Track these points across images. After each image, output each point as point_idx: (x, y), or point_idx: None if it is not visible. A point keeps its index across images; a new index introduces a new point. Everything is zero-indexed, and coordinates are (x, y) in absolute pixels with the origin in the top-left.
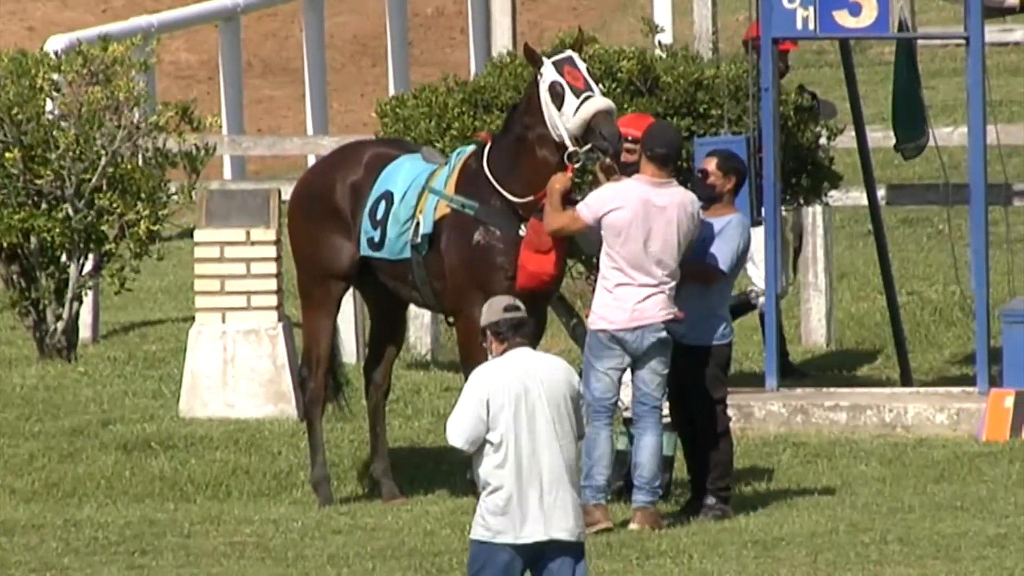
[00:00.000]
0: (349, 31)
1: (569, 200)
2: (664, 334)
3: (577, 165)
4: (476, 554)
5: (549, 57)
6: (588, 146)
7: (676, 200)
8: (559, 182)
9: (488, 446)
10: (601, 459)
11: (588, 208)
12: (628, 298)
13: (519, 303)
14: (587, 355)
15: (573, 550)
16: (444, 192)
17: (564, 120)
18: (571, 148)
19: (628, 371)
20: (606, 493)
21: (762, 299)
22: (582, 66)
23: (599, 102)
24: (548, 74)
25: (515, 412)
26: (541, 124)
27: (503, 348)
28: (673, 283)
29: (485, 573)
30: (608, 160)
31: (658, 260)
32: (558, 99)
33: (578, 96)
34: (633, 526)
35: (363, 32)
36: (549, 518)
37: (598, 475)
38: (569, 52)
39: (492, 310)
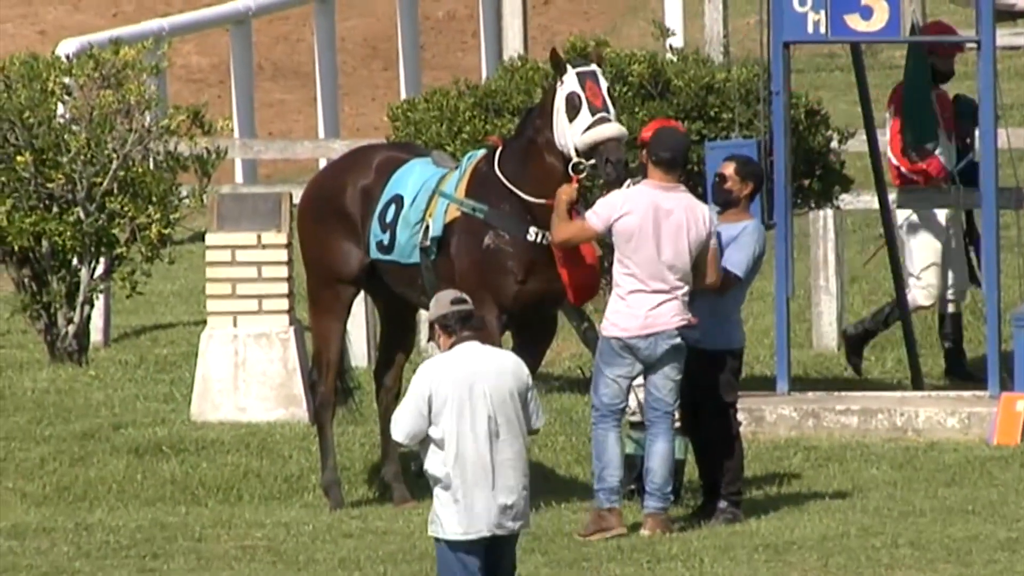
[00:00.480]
0: (360, 34)
1: (575, 211)
2: (678, 340)
3: (582, 176)
4: (438, 552)
5: (575, 66)
6: (591, 162)
7: (684, 204)
8: (565, 193)
9: (433, 442)
10: (612, 461)
11: (597, 216)
12: (641, 305)
13: (466, 296)
14: (597, 360)
15: (514, 541)
16: (455, 196)
17: (573, 134)
18: (575, 159)
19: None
20: (620, 495)
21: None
22: (604, 85)
23: (612, 129)
24: (569, 83)
25: (458, 408)
26: (550, 129)
27: (451, 342)
28: (687, 288)
29: (444, 568)
30: (611, 178)
31: (670, 265)
32: (573, 111)
33: (593, 114)
34: (645, 532)
35: (374, 35)
36: (496, 513)
37: (610, 477)
38: (594, 67)
39: (439, 304)
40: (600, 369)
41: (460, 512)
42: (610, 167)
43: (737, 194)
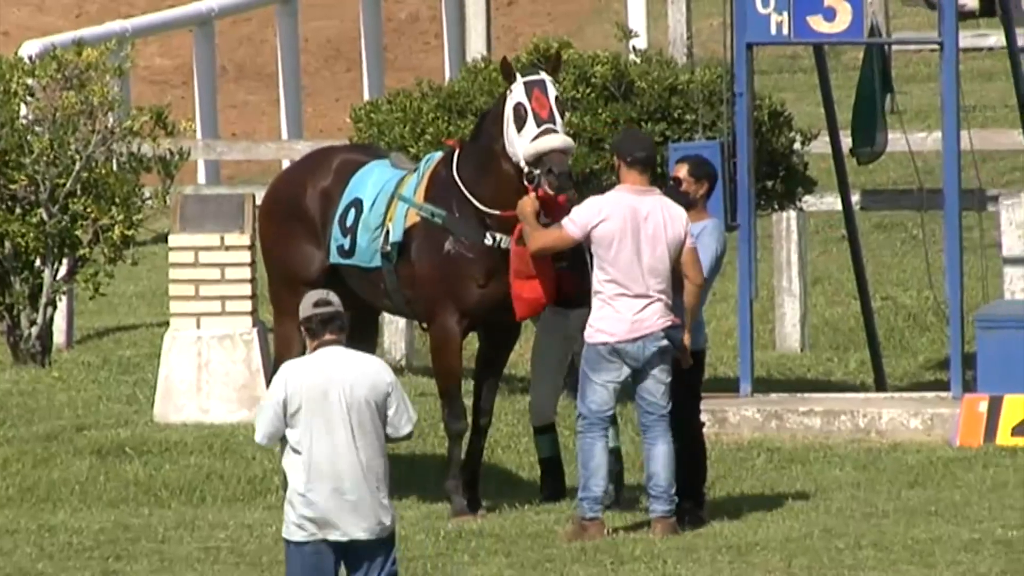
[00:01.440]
0: (323, 36)
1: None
2: (665, 342)
3: (535, 186)
4: (287, 554)
5: (524, 74)
6: (539, 172)
7: (660, 207)
8: (528, 204)
9: (289, 445)
10: (598, 470)
11: (575, 223)
12: (627, 309)
13: (331, 298)
14: (584, 368)
15: (380, 547)
16: (414, 200)
17: (521, 144)
18: (526, 169)
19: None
20: (603, 505)
21: None
22: (552, 93)
23: (556, 140)
24: (516, 94)
25: (313, 413)
26: (503, 138)
27: (315, 345)
28: (668, 290)
29: (296, 572)
30: (551, 192)
31: (651, 268)
32: (520, 121)
33: (539, 125)
34: (653, 536)
35: (337, 37)
36: (349, 518)
37: (595, 487)
38: (543, 76)
39: (304, 305)
40: (587, 376)
41: (313, 516)
42: (552, 178)
43: (693, 195)
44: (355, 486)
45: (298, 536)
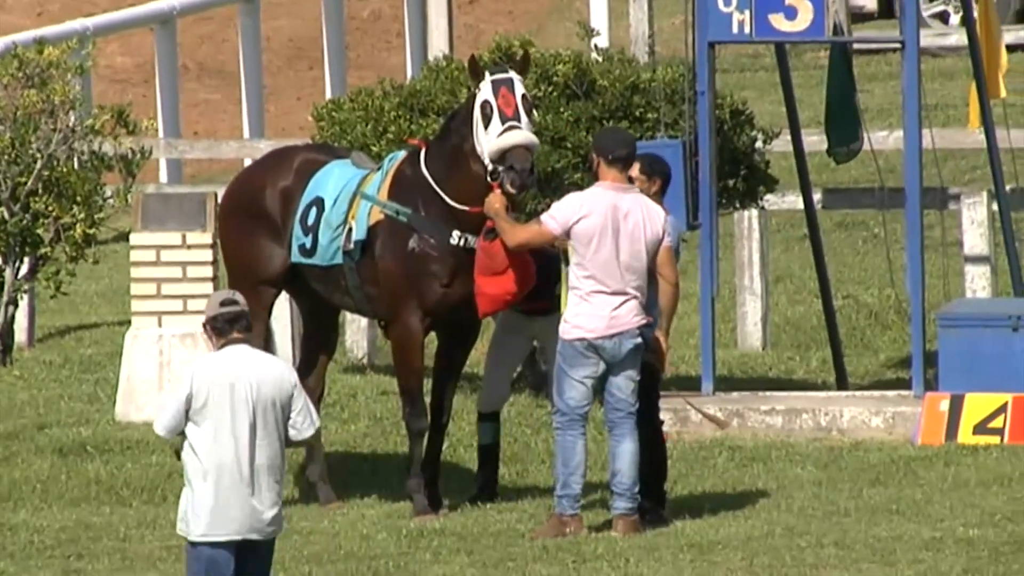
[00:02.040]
0: (285, 34)
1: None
2: (640, 340)
3: (498, 182)
4: (187, 552)
5: (492, 73)
6: (502, 169)
7: (639, 204)
8: (497, 201)
9: (190, 442)
10: (578, 469)
11: (555, 220)
12: (604, 305)
13: (237, 297)
14: (559, 364)
15: (267, 547)
16: (377, 198)
17: (487, 141)
18: (491, 167)
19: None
20: (581, 502)
21: None
22: (519, 91)
23: (519, 136)
24: (484, 91)
25: (218, 410)
26: (473, 137)
27: (221, 343)
28: (644, 288)
29: (192, 569)
30: (512, 190)
31: (628, 266)
32: (486, 119)
33: (504, 123)
34: (615, 534)
35: (299, 35)
36: (247, 518)
37: (574, 484)
38: (511, 74)
39: (210, 305)
40: (564, 372)
41: (213, 513)
42: (513, 174)
43: (647, 192)
44: (252, 485)
45: (195, 534)
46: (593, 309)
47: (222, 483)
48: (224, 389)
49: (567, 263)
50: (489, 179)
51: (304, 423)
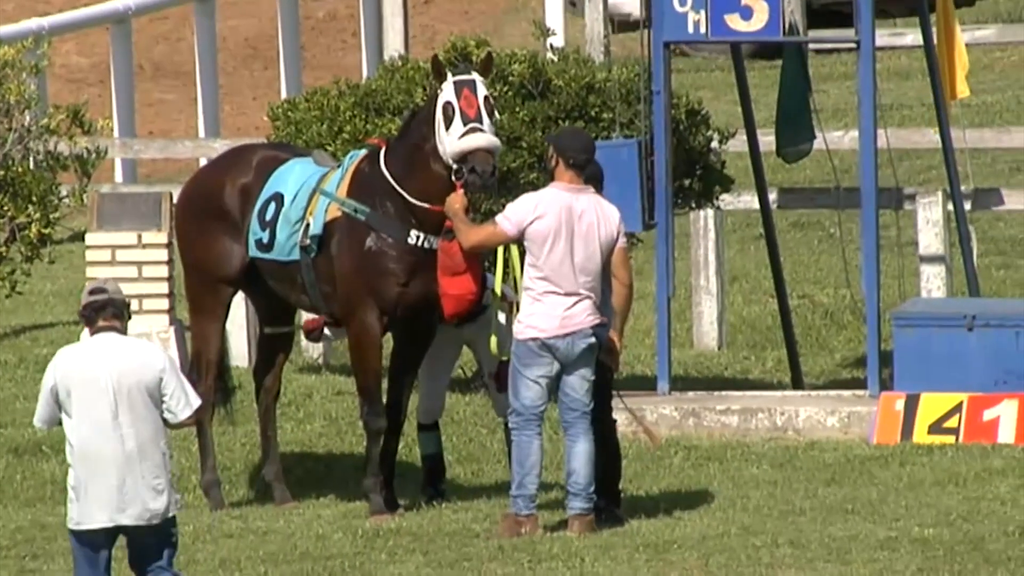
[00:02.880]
0: (241, 34)
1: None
2: (593, 340)
3: (461, 181)
4: (71, 542)
5: (455, 73)
6: (465, 170)
7: (594, 205)
8: (457, 201)
9: (65, 432)
10: (533, 468)
11: (509, 220)
12: (557, 305)
13: (109, 286)
14: (514, 364)
15: (152, 533)
16: (336, 195)
17: (448, 142)
18: (455, 167)
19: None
20: (536, 502)
21: None
22: (481, 93)
23: (481, 139)
24: (446, 92)
25: (79, 399)
26: (434, 137)
27: (92, 332)
28: (598, 288)
29: (75, 559)
30: (474, 192)
31: (582, 267)
32: (447, 121)
33: (465, 124)
34: (570, 533)
35: (255, 35)
36: (116, 505)
37: (530, 484)
38: (474, 76)
39: (83, 296)
40: (519, 372)
41: (81, 502)
42: (474, 176)
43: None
44: (120, 472)
45: (72, 523)
46: (546, 309)
47: (88, 471)
48: (84, 378)
49: (492, 267)
50: (454, 178)
51: (178, 406)
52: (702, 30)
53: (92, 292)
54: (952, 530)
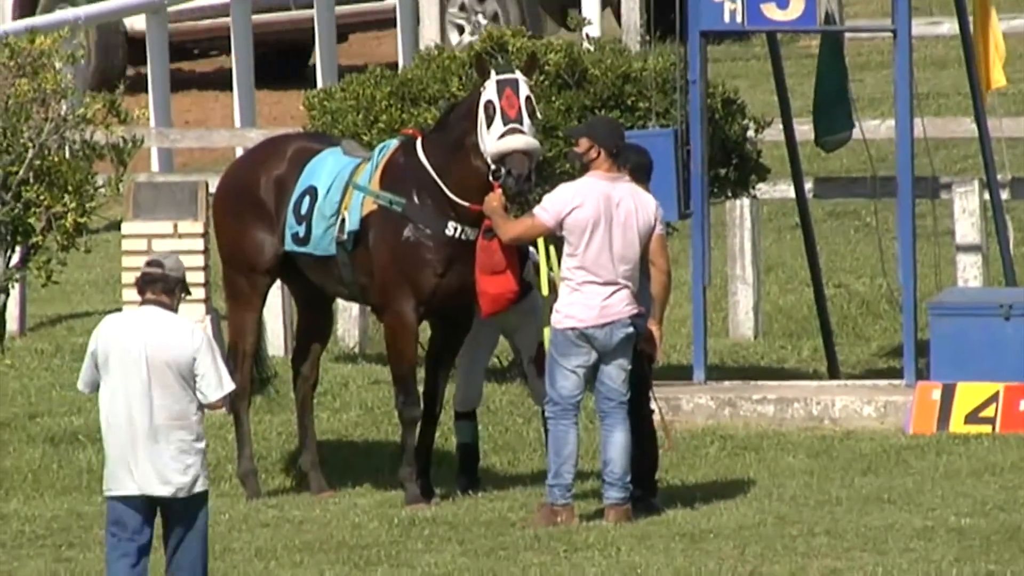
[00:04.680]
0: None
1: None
2: (631, 330)
3: (499, 182)
4: (107, 508)
5: (498, 72)
6: (503, 171)
7: (631, 193)
8: (495, 199)
9: (100, 397)
10: (570, 458)
11: (547, 212)
12: (595, 295)
13: (167, 261)
14: (551, 354)
15: (181, 507)
16: (370, 189)
17: (488, 142)
18: (493, 166)
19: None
20: (573, 492)
21: None
22: (523, 93)
23: (519, 141)
24: (488, 91)
25: (115, 368)
26: (476, 133)
27: (141, 302)
28: (636, 277)
29: (110, 525)
30: (509, 194)
31: (621, 255)
32: (488, 119)
33: (505, 124)
34: (606, 523)
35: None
36: (144, 474)
37: (566, 474)
38: (516, 75)
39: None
40: (556, 362)
41: (112, 468)
42: (511, 180)
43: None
44: (147, 443)
45: (107, 489)
46: (584, 299)
47: (117, 440)
48: (120, 348)
49: (536, 248)
50: (491, 178)
51: (209, 387)
52: (738, 19)
53: (148, 264)
54: (988, 519)
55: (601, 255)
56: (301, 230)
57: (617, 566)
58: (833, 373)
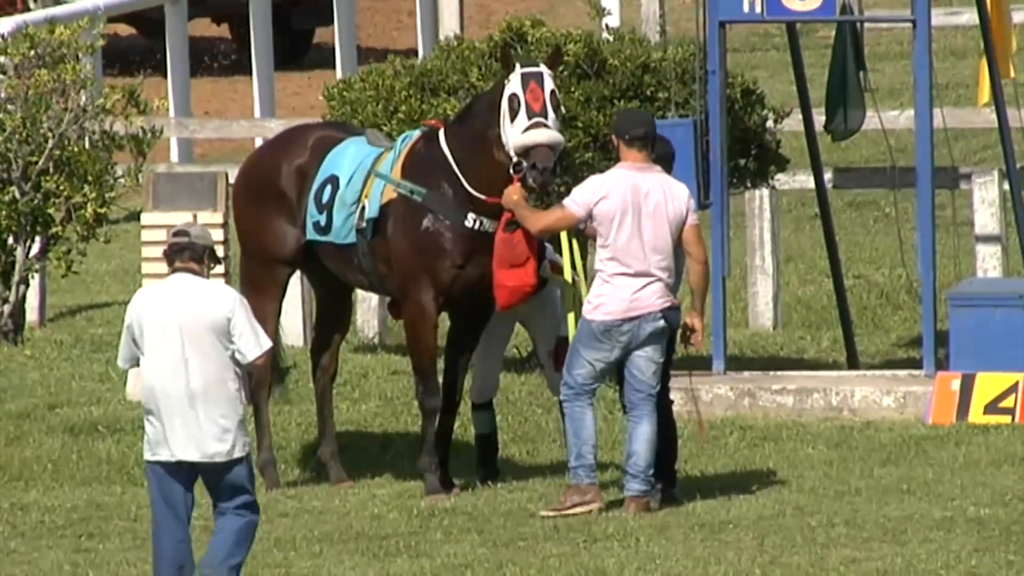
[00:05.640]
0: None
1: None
2: (662, 323)
3: (520, 175)
4: (146, 472)
5: (523, 65)
6: (525, 165)
7: (660, 183)
8: (515, 193)
9: (140, 369)
10: (589, 439)
11: (576, 203)
12: (626, 288)
13: (193, 230)
14: (575, 341)
15: (222, 471)
16: (391, 177)
17: (511, 135)
18: (515, 159)
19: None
20: (596, 471)
21: None
22: (548, 87)
23: (543, 135)
24: (513, 84)
25: (150, 338)
26: (499, 125)
27: (169, 272)
28: (671, 268)
29: (150, 489)
30: (533, 187)
31: (652, 246)
32: (512, 113)
33: (530, 118)
34: (626, 514)
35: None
36: (178, 440)
37: (588, 454)
38: (541, 68)
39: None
40: (577, 350)
41: (154, 435)
42: (535, 173)
43: None
44: (185, 410)
45: (146, 454)
46: (615, 291)
47: (158, 407)
48: (154, 318)
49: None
50: (512, 171)
51: (247, 346)
52: (757, 10)
53: (175, 234)
54: (1008, 510)
55: (631, 244)
56: (322, 219)
57: (636, 556)
58: (852, 363)
